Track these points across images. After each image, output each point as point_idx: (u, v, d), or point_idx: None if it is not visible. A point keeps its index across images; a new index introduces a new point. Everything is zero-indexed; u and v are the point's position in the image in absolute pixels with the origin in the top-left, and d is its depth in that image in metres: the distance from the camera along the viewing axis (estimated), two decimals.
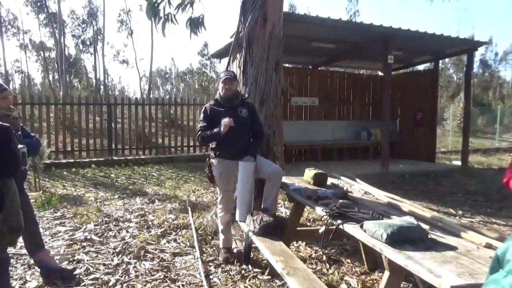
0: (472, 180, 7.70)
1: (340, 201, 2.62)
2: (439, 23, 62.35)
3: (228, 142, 3.33)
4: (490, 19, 60.43)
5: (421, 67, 16.23)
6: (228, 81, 3.43)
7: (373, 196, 3.09)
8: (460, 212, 5.36)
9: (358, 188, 3.38)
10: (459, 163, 9.86)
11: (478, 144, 15.66)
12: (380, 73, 11.97)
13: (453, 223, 2.24)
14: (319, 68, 11.27)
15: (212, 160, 3.49)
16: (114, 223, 4.55)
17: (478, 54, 34.52)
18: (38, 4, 23.91)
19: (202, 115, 3.52)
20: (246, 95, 4.33)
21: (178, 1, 4.35)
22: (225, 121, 3.21)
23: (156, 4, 4.22)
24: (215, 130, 3.29)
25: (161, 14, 4.31)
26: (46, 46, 26.04)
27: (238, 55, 4.57)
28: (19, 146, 1.45)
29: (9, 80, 25.20)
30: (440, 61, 13.59)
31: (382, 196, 3.01)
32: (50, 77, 28.35)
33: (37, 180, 6.33)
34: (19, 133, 2.73)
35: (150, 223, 4.54)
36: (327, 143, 10.02)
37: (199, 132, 3.45)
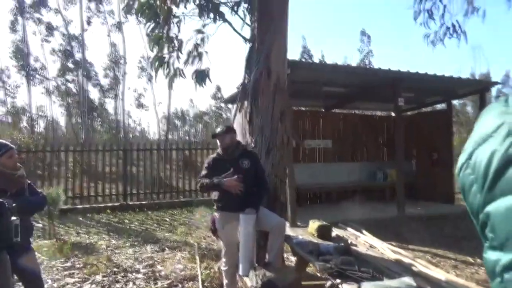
0: None
1: (342, 257, 2.58)
2: (456, 59, 62.42)
3: (229, 194, 3.35)
4: (508, 53, 60.30)
5: (438, 106, 16.16)
6: (221, 136, 3.52)
7: (378, 250, 3.02)
8: (478, 260, 5.13)
9: (364, 241, 3.31)
10: None
11: None
12: (393, 114, 11.97)
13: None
14: (332, 111, 11.37)
15: (215, 213, 3.51)
16: (122, 274, 4.54)
17: (494, 90, 34.14)
18: (64, 52, 25.35)
19: (204, 166, 3.59)
20: (253, 145, 4.41)
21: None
22: (228, 180, 3.25)
23: (164, 59, 4.43)
24: (215, 180, 3.32)
25: (171, 68, 4.51)
26: (70, 91, 27.26)
27: (244, 105, 4.69)
28: (12, 218, 1.50)
29: (34, 124, 26.27)
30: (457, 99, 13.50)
31: (387, 250, 2.94)
32: (74, 120, 29.47)
33: (51, 227, 6.44)
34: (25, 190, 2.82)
35: (157, 274, 4.51)
36: (342, 185, 9.90)
37: (199, 179, 3.51)
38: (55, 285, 4.17)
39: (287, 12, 4.50)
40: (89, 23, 26.18)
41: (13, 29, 26.07)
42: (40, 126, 28.99)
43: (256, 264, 3.28)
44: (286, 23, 4.48)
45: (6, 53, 28.56)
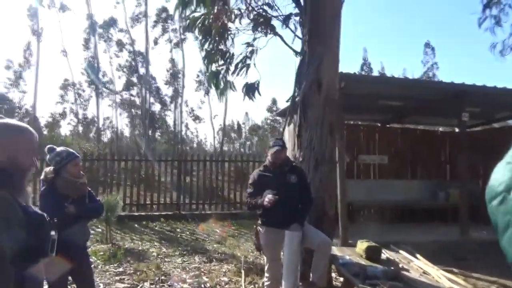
0: None
1: (390, 282, 2.40)
2: None
3: (275, 209, 3.28)
4: None
5: (511, 122, 14.87)
6: (277, 152, 3.45)
7: (433, 277, 2.77)
8: None
9: (417, 266, 3.06)
10: None
11: None
12: (457, 129, 11.20)
13: None
14: (389, 125, 10.90)
15: (259, 228, 3.45)
16: (169, 282, 4.62)
17: None
18: (129, 68, 27.16)
19: (250, 181, 3.56)
20: (301, 159, 4.32)
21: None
22: (270, 198, 3.18)
23: (217, 74, 4.52)
24: (259, 201, 3.28)
25: (221, 83, 4.59)
26: (134, 104, 29.00)
27: (293, 119, 4.63)
28: (51, 233, 1.54)
29: (101, 134, 28.22)
30: None
31: (442, 278, 2.68)
32: (137, 131, 31.21)
33: (108, 232, 6.76)
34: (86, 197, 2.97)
35: (203, 285, 4.53)
36: (398, 203, 9.37)
37: (247, 199, 3.48)
38: None
39: (339, 24, 4.40)
40: (156, 43, 27.78)
41: (86, 47, 28.38)
42: (107, 136, 31.10)
43: (300, 283, 3.16)
44: (338, 35, 4.38)
45: (79, 69, 31.14)
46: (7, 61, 29.00)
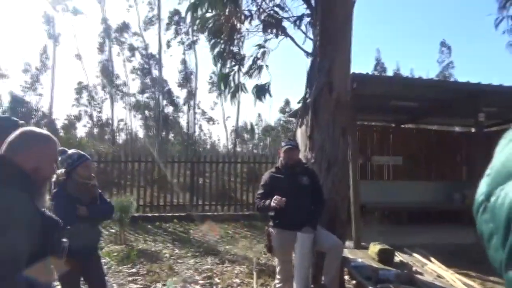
0: None
1: (403, 286, 2.36)
2: None
3: (287, 211, 3.27)
4: None
5: None
6: (289, 151, 3.46)
7: (447, 281, 2.72)
8: None
9: (431, 269, 3.01)
10: None
11: None
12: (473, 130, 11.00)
13: None
14: (403, 126, 10.76)
15: (271, 229, 3.44)
16: (181, 284, 4.64)
17: None
18: (142, 71, 27.50)
19: (261, 182, 3.56)
20: (313, 160, 4.29)
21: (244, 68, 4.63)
22: (276, 199, 3.17)
23: (227, 76, 4.53)
24: (267, 202, 3.27)
25: (232, 84, 4.59)
26: (147, 106, 29.34)
27: (305, 120, 4.60)
28: (63, 240, 1.58)
29: (116, 136, 28.60)
30: None
31: (457, 282, 2.63)
32: (150, 133, 31.53)
33: (122, 233, 6.84)
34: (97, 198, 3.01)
35: (214, 287, 4.54)
36: (412, 205, 9.23)
37: (256, 200, 3.47)
38: None
39: (351, 24, 4.36)
40: (168, 46, 28.03)
41: (101, 50, 28.81)
42: (122, 137, 31.50)
43: (312, 286, 3.14)
44: (350, 36, 4.34)
45: (94, 71, 31.65)
46: (25, 65, 29.63)
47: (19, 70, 31.59)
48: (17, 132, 1.52)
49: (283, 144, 3.67)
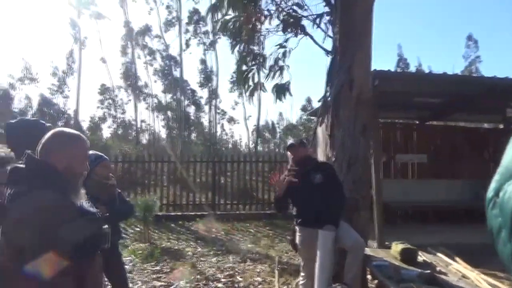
0: None
1: (425, 286, 2.32)
2: None
3: (303, 209, 3.29)
4: None
5: None
6: (291, 149, 3.52)
7: (472, 281, 2.66)
8: None
9: (456, 269, 2.95)
10: None
11: None
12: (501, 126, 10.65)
13: None
14: (427, 123, 10.52)
15: (296, 227, 3.47)
16: (204, 282, 4.71)
17: None
18: (163, 72, 28.00)
19: None
20: (333, 159, 4.27)
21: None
22: (278, 185, 3.29)
23: (245, 74, 4.55)
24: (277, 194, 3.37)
25: (250, 83, 4.62)
26: (170, 106, 29.81)
27: (325, 119, 4.58)
28: (104, 227, 1.66)
29: (140, 136, 29.18)
30: None
31: (483, 283, 2.57)
32: (173, 133, 32.01)
33: (146, 231, 6.98)
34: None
35: (236, 285, 4.58)
36: (438, 204, 9.02)
37: (274, 199, 3.54)
38: (143, 286, 4.49)
39: (371, 20, 4.31)
40: (188, 45, 28.38)
41: (124, 52, 29.45)
42: (145, 137, 32.10)
43: (333, 284, 3.13)
44: (370, 33, 4.29)
45: (117, 73, 32.41)
46: (53, 68, 30.56)
47: (47, 74, 32.56)
48: (49, 134, 1.60)
49: (288, 143, 3.75)
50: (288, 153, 3.58)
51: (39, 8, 53.06)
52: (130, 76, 29.49)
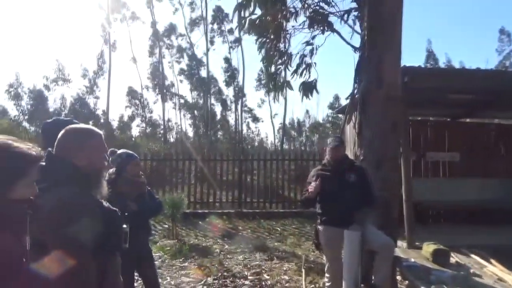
0: None
1: None
2: None
3: (333, 208, 3.25)
4: None
5: None
6: (335, 148, 3.44)
7: (509, 284, 2.56)
8: None
9: (491, 272, 2.84)
10: None
11: None
12: None
13: None
14: (460, 120, 10.17)
15: (319, 227, 3.42)
16: (231, 279, 4.75)
17: None
18: (190, 71, 28.44)
19: (308, 179, 3.56)
20: (362, 157, 4.21)
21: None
22: (312, 185, 3.22)
23: (274, 75, 4.55)
24: (307, 193, 3.31)
25: (277, 81, 4.61)
26: (196, 105, 30.23)
27: (353, 116, 4.51)
28: (123, 226, 1.68)
29: (167, 135, 29.75)
30: None
31: None
32: (200, 131, 32.41)
33: (174, 228, 7.11)
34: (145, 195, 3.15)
35: (263, 283, 4.59)
36: (472, 203, 8.69)
37: (303, 195, 3.50)
38: (172, 282, 4.57)
39: (401, 15, 4.20)
40: (212, 43, 28.67)
41: (151, 53, 30.05)
42: (173, 136, 32.69)
43: (362, 285, 3.09)
44: (399, 28, 4.19)
45: (145, 73, 33.09)
46: (83, 70, 31.57)
47: (79, 75, 33.67)
48: (62, 132, 1.59)
49: (328, 141, 3.65)
50: (328, 151, 3.51)
51: (72, 12, 55.02)
52: (157, 75, 30.10)
